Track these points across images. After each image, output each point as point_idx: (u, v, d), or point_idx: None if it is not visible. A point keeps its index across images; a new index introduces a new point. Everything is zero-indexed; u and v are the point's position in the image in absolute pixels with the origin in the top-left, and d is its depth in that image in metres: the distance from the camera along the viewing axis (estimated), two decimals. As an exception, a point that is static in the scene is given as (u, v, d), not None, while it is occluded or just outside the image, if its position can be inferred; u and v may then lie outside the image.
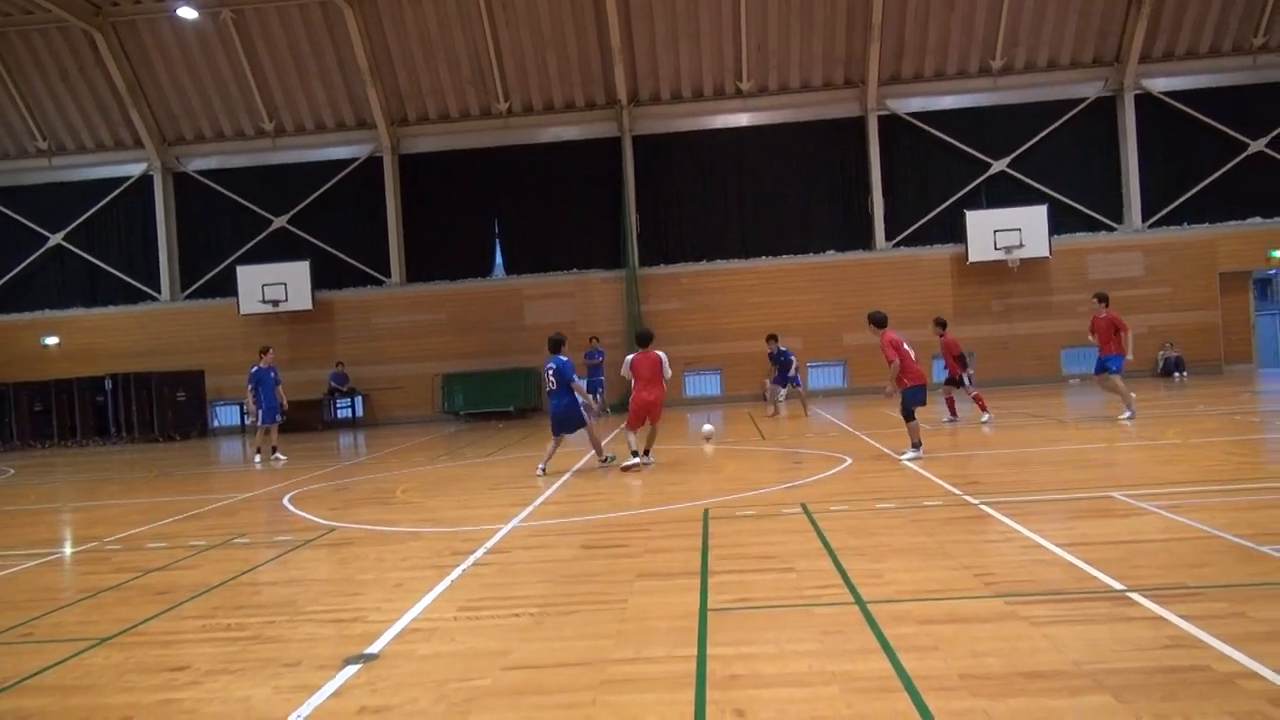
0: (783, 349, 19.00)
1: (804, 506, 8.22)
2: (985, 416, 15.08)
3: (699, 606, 5.31)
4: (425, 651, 4.81)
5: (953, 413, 15.62)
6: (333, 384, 24.20)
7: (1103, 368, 14.03)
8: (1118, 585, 5.17)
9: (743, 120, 24.73)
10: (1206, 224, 23.58)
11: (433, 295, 24.86)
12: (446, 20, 23.47)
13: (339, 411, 24.35)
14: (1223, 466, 9.13)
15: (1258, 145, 23.39)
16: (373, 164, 25.17)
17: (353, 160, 25.24)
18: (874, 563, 6.07)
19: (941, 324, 15.78)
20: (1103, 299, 14.32)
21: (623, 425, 12.44)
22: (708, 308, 24.19)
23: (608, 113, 24.61)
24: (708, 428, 15.12)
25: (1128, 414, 13.65)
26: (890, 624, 4.75)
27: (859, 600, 5.23)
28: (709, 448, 14.02)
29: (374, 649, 4.87)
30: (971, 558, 6.08)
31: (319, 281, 24.74)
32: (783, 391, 19.18)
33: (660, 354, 12.37)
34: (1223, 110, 23.57)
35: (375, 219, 25.13)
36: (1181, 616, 4.55)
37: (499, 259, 25.35)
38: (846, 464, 10.93)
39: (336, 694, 4.26)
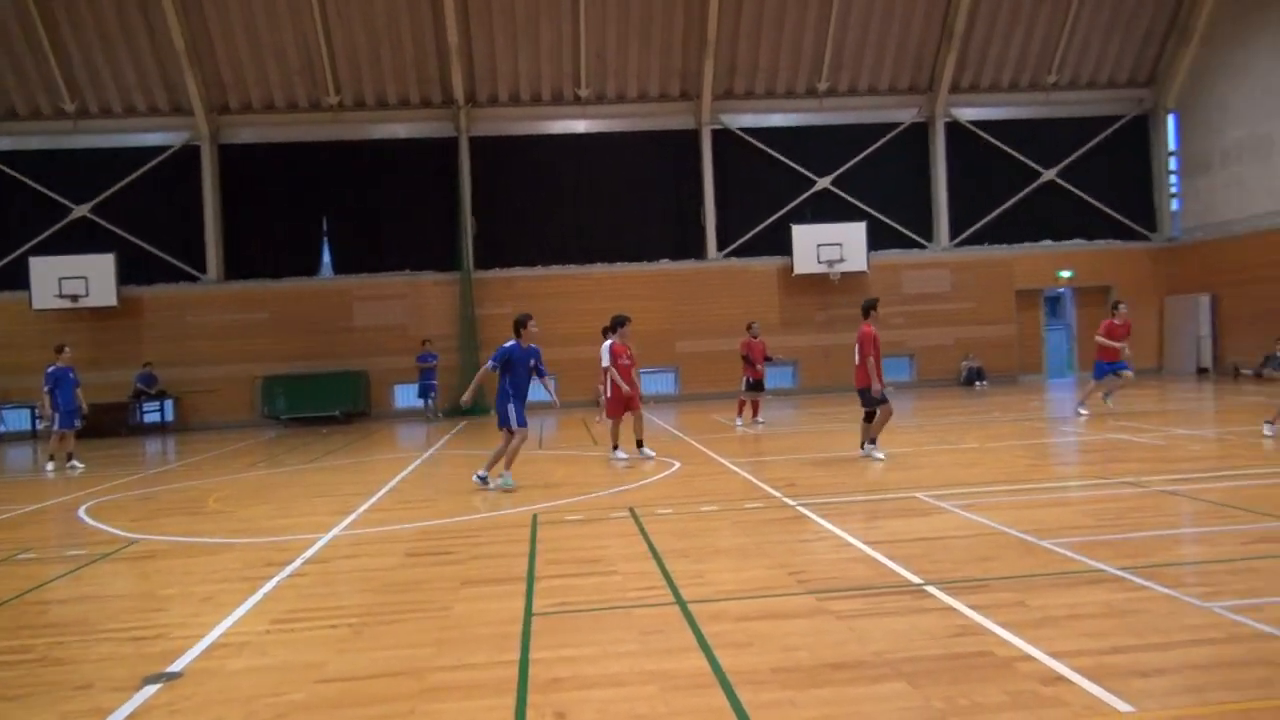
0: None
1: (632, 510, 8.36)
2: (758, 420, 16.23)
3: (524, 611, 5.32)
4: (234, 667, 4.59)
5: (751, 414, 16.59)
6: (140, 386, 22.59)
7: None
8: (916, 579, 5.54)
9: (580, 127, 24.87)
10: (1005, 245, 25.55)
11: (253, 294, 23.64)
12: (273, 5, 22.42)
13: (146, 416, 22.74)
14: (1012, 469, 9.93)
15: (1049, 174, 25.58)
16: (189, 152, 23.69)
17: (166, 148, 23.67)
18: (696, 564, 6.26)
19: (750, 327, 16.80)
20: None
21: (599, 418, 11.77)
22: (542, 313, 23.82)
23: (444, 112, 24.18)
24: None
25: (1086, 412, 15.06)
26: (709, 622, 4.92)
27: (680, 600, 5.37)
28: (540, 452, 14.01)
29: (176, 667, 4.61)
30: (787, 557, 6.37)
31: (126, 276, 23.05)
32: None
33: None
34: (1021, 140, 25.64)
35: (191, 211, 23.65)
36: (970, 607, 4.93)
37: (326, 258, 24.38)
38: (675, 468, 11.19)
39: (133, 716, 4.00)
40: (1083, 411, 15.02)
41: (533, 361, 10.38)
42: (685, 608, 5.22)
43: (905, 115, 25.43)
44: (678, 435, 15.36)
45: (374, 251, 24.12)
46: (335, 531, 8.06)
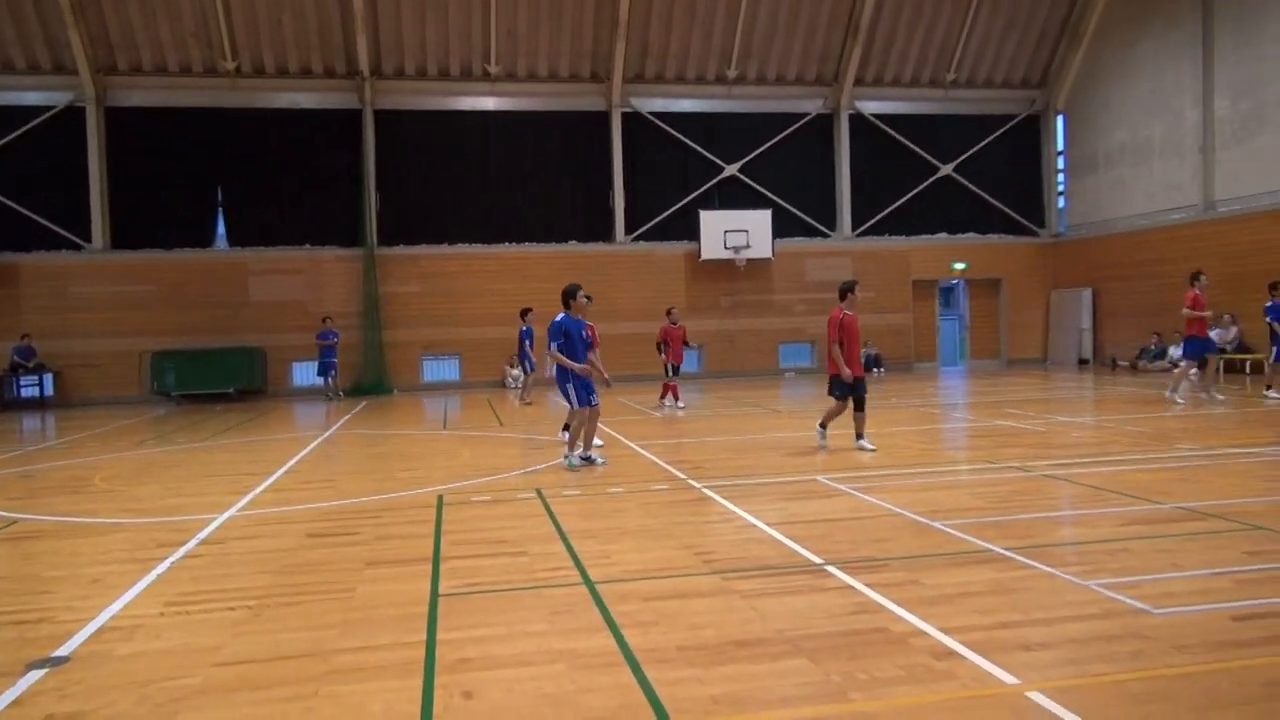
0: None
1: (539, 492, 8.36)
2: (677, 404, 16.47)
3: (430, 592, 5.28)
4: (125, 651, 4.44)
5: (672, 398, 16.76)
6: (16, 359, 21.39)
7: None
8: (817, 559, 5.72)
9: (489, 104, 24.52)
10: (904, 236, 26.36)
11: (143, 264, 22.60)
12: (167, -37, 21.39)
13: (23, 390, 21.55)
14: (907, 452, 10.29)
15: (947, 169, 26.45)
16: (73, 114, 22.42)
17: (48, 108, 22.35)
18: (604, 544, 6.31)
19: (670, 312, 16.97)
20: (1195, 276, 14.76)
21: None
22: (448, 292, 23.80)
23: (348, 83, 23.49)
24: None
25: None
26: (616, 602, 4.97)
27: (588, 581, 5.42)
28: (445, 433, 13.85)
29: (64, 651, 4.43)
30: (693, 538, 6.48)
31: (2, 242, 21.78)
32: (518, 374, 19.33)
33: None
34: (921, 134, 26.43)
35: (75, 177, 22.41)
36: (867, 585, 5.12)
37: (221, 229, 23.46)
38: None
39: (17, 703, 3.84)
40: (1179, 400, 14.48)
41: (585, 333, 9.84)
42: (593, 588, 5.26)
43: (811, 106, 25.90)
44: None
45: (272, 224, 23.32)
46: (231, 512, 7.83)
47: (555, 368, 9.87)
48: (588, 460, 9.84)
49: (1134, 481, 8.01)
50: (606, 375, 10.51)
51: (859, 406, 10.46)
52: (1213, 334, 20.55)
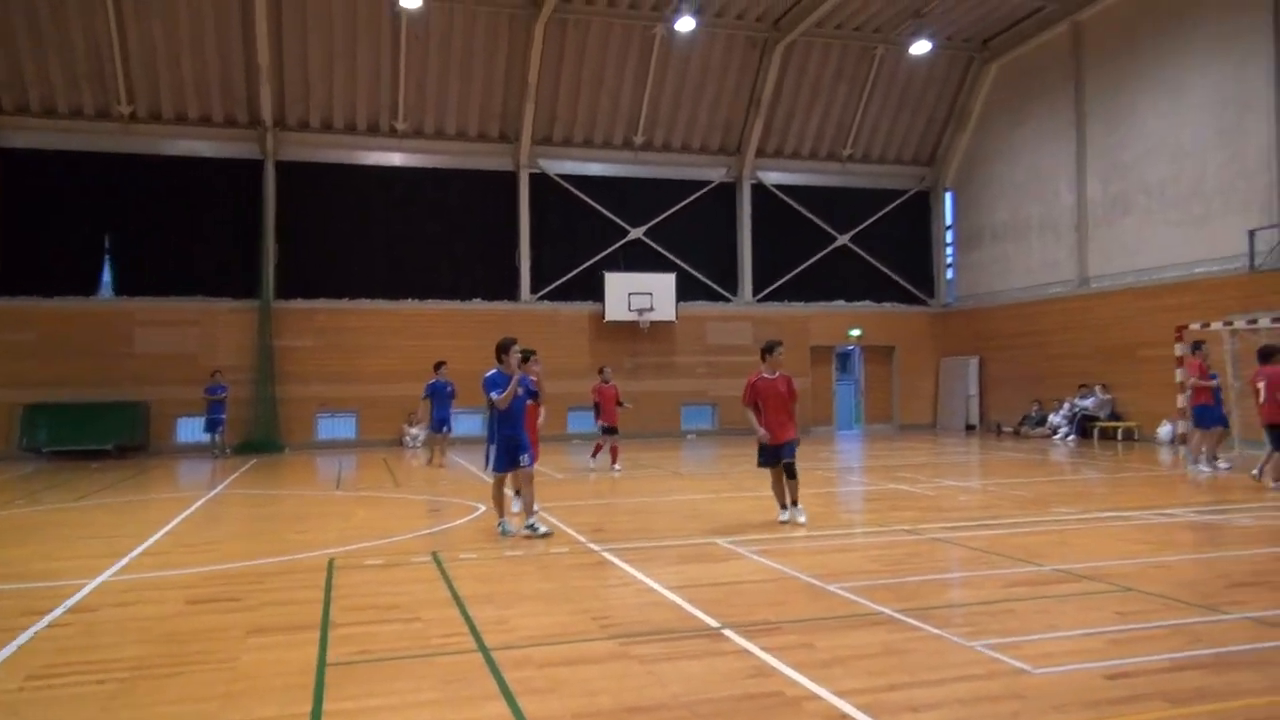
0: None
1: (435, 555, 8.19)
2: (614, 466, 16.08)
3: (317, 661, 5.09)
4: (-21, 730, 4.13)
5: (611, 459, 16.31)
6: None
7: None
8: (714, 623, 5.74)
9: (396, 159, 24.42)
10: (803, 302, 27.13)
11: (19, 312, 21.44)
12: (60, 1, 20.76)
13: (-124, 443, 20.05)
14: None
15: (843, 239, 27.45)
16: (-51, 154, 21.40)
17: (-78, 146, 21.28)
18: (500, 609, 6.21)
19: (602, 372, 16.74)
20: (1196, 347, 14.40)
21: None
22: (346, 347, 23.32)
23: (249, 133, 23.09)
24: None
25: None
26: (511, 669, 4.89)
27: (483, 647, 5.31)
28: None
29: (-92, 731, 4.10)
30: (591, 602, 6.43)
31: None
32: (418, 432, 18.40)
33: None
34: (819, 205, 27.42)
35: (-53, 218, 21.28)
36: (763, 649, 5.17)
37: (107, 277, 22.50)
38: (480, 511, 11.04)
39: None
40: (1204, 469, 14.00)
41: (521, 391, 9.26)
42: (488, 654, 5.17)
43: (715, 174, 26.63)
44: (483, 478, 15.15)
45: (163, 274, 22.50)
46: (104, 577, 7.42)
47: (488, 424, 9.26)
48: (531, 529, 9.03)
49: (1016, 544, 8.33)
50: (536, 437, 10.23)
51: (789, 474, 9.64)
52: (1087, 402, 21.79)
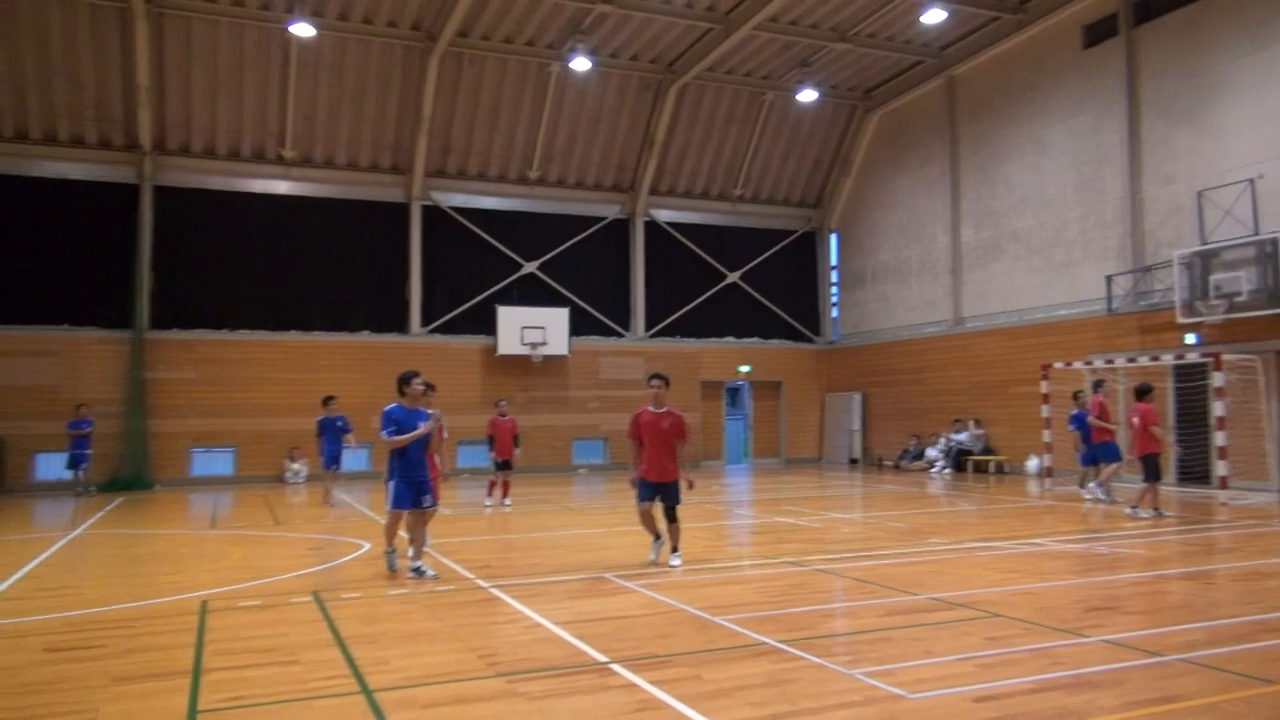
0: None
1: (316, 595, 7.95)
2: (504, 501, 15.93)
3: (188, 709, 4.88)
4: None
5: (501, 494, 16.14)
6: None
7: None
8: (603, 658, 5.76)
9: (282, 188, 23.80)
10: (694, 338, 27.56)
11: None
12: (-82, 15, 19.60)
13: None
14: (691, 549, 10.58)
15: (733, 277, 28.08)
16: None
17: None
18: (383, 650, 6.07)
19: (499, 404, 16.62)
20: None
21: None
22: (225, 380, 22.44)
23: (126, 156, 22.12)
24: None
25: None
26: (395, 711, 4.79)
27: (365, 689, 5.19)
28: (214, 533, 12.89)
29: None
30: (478, 639, 6.36)
31: None
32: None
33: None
34: (711, 243, 28.00)
35: None
36: (651, 682, 5.21)
37: (-40, 304, 21.10)
38: (364, 550, 10.77)
39: None
40: (1103, 499, 14.41)
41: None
42: (370, 696, 5.05)
43: (609, 211, 26.91)
44: (370, 515, 14.79)
45: (23, 301, 21.23)
46: (-48, 624, 6.92)
47: (388, 461, 8.81)
48: (418, 571, 8.74)
49: (894, 574, 8.62)
50: (445, 471, 9.95)
51: (669, 517, 9.21)
52: (961, 436, 22.76)
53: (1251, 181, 16.68)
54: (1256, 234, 16.36)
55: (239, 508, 16.59)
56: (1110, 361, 17.52)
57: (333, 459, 16.47)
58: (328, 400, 16.73)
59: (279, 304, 23.31)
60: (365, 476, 22.29)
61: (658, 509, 9.22)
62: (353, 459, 21.54)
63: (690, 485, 9.34)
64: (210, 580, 8.80)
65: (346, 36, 22.13)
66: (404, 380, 8.89)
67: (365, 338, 23.94)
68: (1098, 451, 14.98)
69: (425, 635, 6.51)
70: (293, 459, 22.14)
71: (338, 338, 23.63)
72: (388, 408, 8.78)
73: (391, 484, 8.75)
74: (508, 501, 16.01)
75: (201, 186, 22.88)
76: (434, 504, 9.09)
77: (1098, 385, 15.30)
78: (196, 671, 5.58)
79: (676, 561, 9.20)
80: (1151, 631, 6.27)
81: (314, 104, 23.04)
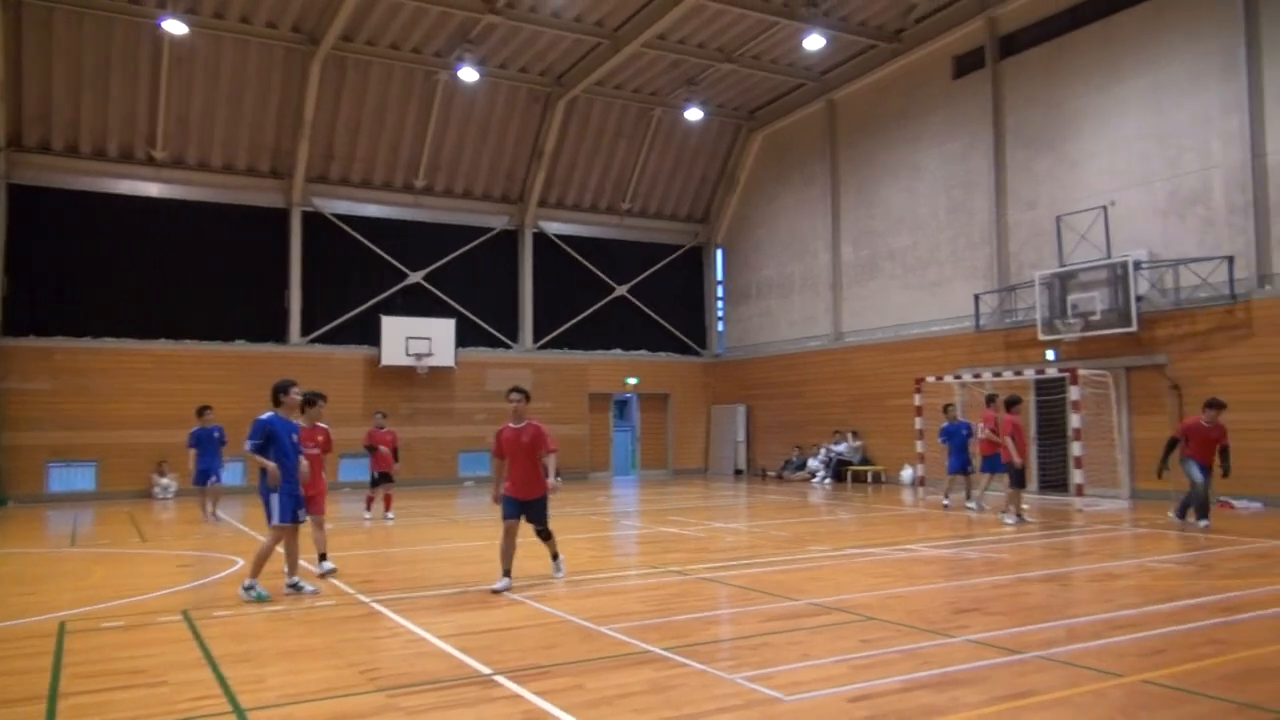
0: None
1: (185, 614, 7.62)
2: (386, 514, 15.58)
3: (43, 735, 4.62)
4: None
5: (383, 508, 15.74)
6: None
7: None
8: (486, 670, 5.72)
9: (153, 190, 22.73)
10: (582, 350, 27.62)
11: None
12: None
13: None
14: (578, 559, 10.61)
15: (622, 290, 28.28)
16: None
17: None
18: (258, 668, 5.88)
19: (382, 415, 16.22)
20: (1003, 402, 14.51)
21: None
22: (87, 391, 21.23)
23: (-23, 152, 20.81)
24: None
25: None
26: (269, 729, 4.65)
27: (238, 709, 5.02)
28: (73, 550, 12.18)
29: None
30: (359, 655, 6.22)
31: None
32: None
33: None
34: (599, 256, 28.14)
35: None
36: (535, 693, 5.21)
37: None
38: (238, 566, 10.38)
39: None
40: (1009, 521, 13.74)
41: (295, 437, 8.52)
42: (242, 716, 4.88)
43: (497, 222, 26.75)
44: (244, 530, 14.25)
45: None
46: None
47: (260, 474, 8.38)
48: (295, 588, 8.48)
49: (775, 581, 8.85)
50: (318, 485, 9.42)
51: (541, 535, 9.00)
52: (840, 447, 23.50)
53: (1105, 208, 17.85)
54: (1109, 257, 17.51)
55: (101, 524, 15.73)
56: (978, 376, 18.42)
57: (207, 473, 15.67)
58: (203, 410, 15.97)
59: (147, 311, 22.25)
60: (239, 491, 21.45)
61: (523, 528, 8.77)
62: (229, 473, 20.73)
63: (554, 490, 8.88)
64: (70, 600, 8.33)
65: (223, 35, 21.37)
66: (281, 390, 8.57)
67: (241, 347, 23.08)
68: (987, 463, 15.22)
69: (303, 652, 6.33)
70: (161, 473, 21.14)
71: (211, 347, 22.71)
72: (262, 417, 8.43)
73: (275, 497, 8.36)
74: (390, 515, 15.67)
75: (63, 186, 21.67)
76: (306, 517, 8.82)
77: (990, 399, 15.30)
78: (53, 696, 5.29)
79: (560, 574, 9.16)
80: (1012, 631, 6.63)
81: (188, 104, 22.15)
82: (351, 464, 22.36)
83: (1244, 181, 15.99)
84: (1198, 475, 12.56)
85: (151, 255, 22.45)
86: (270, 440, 8.31)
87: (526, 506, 8.77)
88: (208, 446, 15.67)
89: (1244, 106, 15.99)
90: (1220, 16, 16.44)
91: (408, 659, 6.09)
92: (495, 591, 8.38)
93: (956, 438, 15.92)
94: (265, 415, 8.45)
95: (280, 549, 8.58)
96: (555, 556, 9.26)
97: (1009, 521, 13.53)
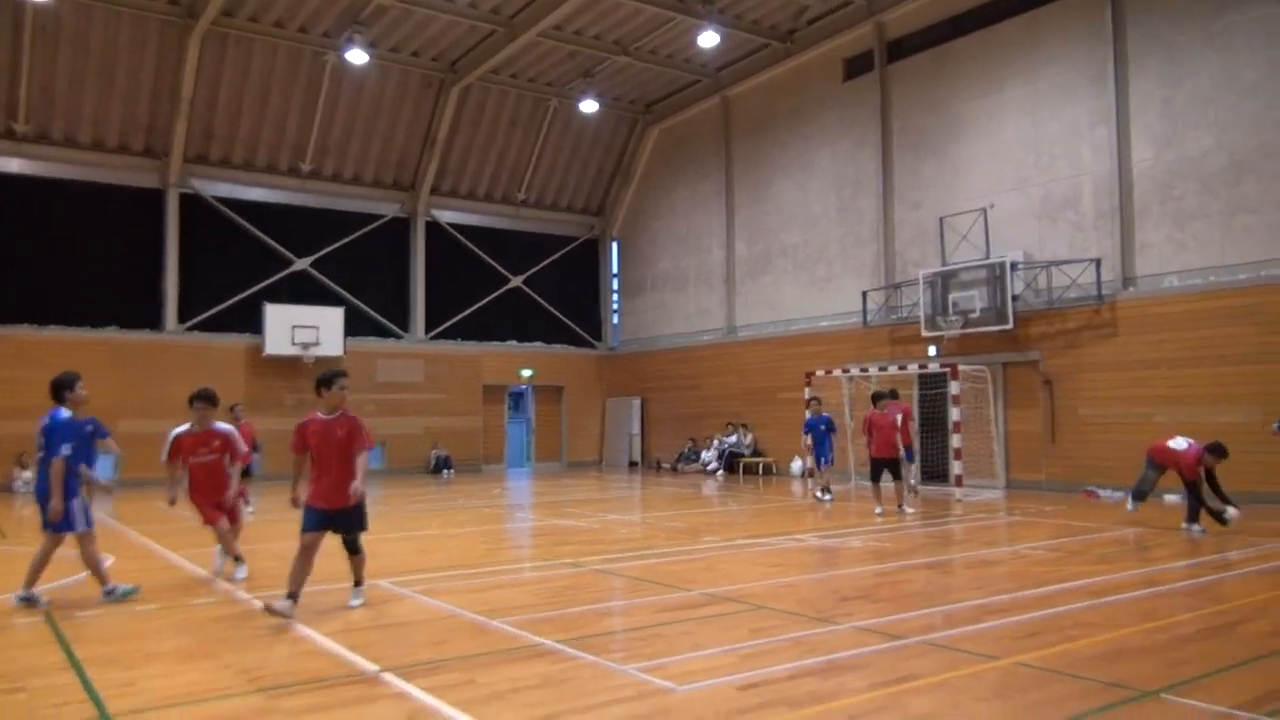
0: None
1: (48, 614, 7.18)
2: (248, 507, 14.97)
3: (-119, 750, 4.27)
4: None
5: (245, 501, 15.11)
6: None
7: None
8: (372, 667, 5.57)
9: (13, 166, 21.31)
10: (476, 341, 27.24)
11: None
12: None
13: None
14: (470, 553, 10.46)
15: (516, 281, 28.02)
16: None
17: None
18: (127, 671, 5.58)
19: (234, 409, 15.55)
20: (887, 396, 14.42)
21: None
22: (-61, 379, 19.82)
23: None
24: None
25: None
26: (138, 736, 4.41)
27: (104, 715, 4.74)
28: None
29: None
30: (237, 655, 5.97)
31: None
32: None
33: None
34: (494, 247, 27.79)
35: None
36: (423, 689, 5.09)
37: None
38: (108, 563, 9.81)
39: None
40: (908, 510, 13.93)
41: (90, 429, 7.70)
42: (110, 722, 4.62)
43: (388, 209, 26.12)
44: (114, 526, 13.53)
45: None
46: None
47: (60, 478, 7.43)
48: (111, 594, 7.73)
49: (668, 572, 8.91)
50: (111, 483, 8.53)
51: (349, 548, 7.50)
52: (731, 439, 23.86)
53: (984, 210, 18.61)
54: (988, 258, 18.27)
55: (-48, 523, 14.68)
56: (865, 370, 18.97)
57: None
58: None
59: (6, 294, 20.87)
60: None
61: (322, 542, 7.22)
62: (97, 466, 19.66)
63: (356, 494, 7.23)
64: (-87, 605, 7.74)
65: (92, 5, 20.20)
66: (66, 385, 7.66)
67: (112, 334, 21.91)
68: (909, 453, 15.15)
69: (176, 653, 6.03)
70: (23, 465, 19.89)
71: (78, 333, 21.47)
72: (60, 417, 7.55)
73: (75, 502, 7.58)
74: (250, 509, 15.08)
75: (-90, 159, 20.12)
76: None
77: (891, 395, 14.84)
78: (-107, 708, 4.89)
79: (358, 601, 7.40)
80: (895, 617, 6.84)
81: (52, 76, 20.86)
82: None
83: (1111, 188, 16.92)
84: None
85: (12, 236, 21.07)
86: (83, 440, 7.68)
87: (334, 517, 7.19)
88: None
89: (1111, 118, 16.92)
90: (1091, 31, 17.34)
91: (289, 658, 5.87)
92: (271, 611, 6.75)
93: (816, 432, 16.31)
94: (60, 413, 7.62)
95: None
96: (359, 583, 7.55)
97: (909, 510, 13.92)
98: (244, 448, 9.06)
